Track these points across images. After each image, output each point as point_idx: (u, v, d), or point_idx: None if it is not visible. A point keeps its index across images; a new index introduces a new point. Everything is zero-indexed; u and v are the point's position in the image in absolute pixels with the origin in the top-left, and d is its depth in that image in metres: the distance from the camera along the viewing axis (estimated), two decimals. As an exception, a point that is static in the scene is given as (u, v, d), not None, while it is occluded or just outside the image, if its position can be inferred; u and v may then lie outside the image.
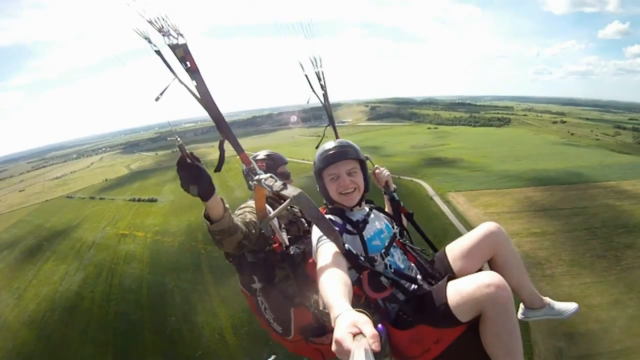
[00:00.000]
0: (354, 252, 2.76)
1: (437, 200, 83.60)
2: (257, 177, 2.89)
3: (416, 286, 3.03)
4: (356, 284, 2.70)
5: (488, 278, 2.43)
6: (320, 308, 3.08)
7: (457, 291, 2.54)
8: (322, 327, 3.37)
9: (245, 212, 3.40)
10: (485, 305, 2.40)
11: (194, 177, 2.46)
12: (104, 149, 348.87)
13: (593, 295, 46.29)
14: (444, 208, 78.61)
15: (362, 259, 2.83)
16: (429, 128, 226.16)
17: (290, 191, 2.65)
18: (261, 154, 4.31)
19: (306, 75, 4.19)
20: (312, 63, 4.15)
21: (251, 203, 3.57)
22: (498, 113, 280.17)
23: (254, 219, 3.28)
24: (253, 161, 3.01)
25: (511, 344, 2.47)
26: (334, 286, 2.16)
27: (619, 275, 49.65)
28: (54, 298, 63.12)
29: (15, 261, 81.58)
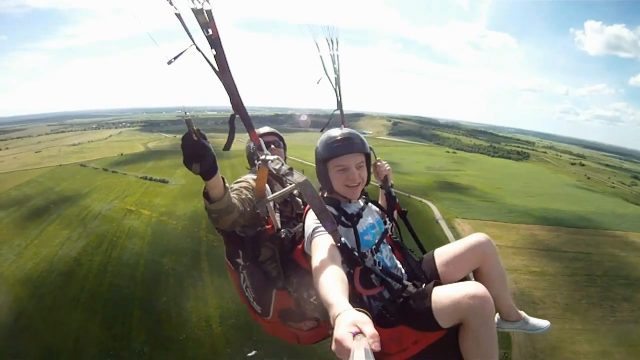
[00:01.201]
0: (350, 246, 2.79)
1: (443, 224, 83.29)
2: (263, 157, 2.91)
3: (401, 286, 3.00)
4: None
5: (474, 289, 2.49)
6: (305, 296, 3.31)
7: (442, 297, 2.58)
8: (302, 312, 3.42)
9: (241, 189, 3.43)
10: (468, 314, 2.46)
11: (198, 154, 2.44)
12: (124, 123, 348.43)
13: (581, 342, 46.04)
14: (448, 233, 78.06)
15: (356, 254, 2.84)
16: (448, 152, 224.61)
17: (296, 177, 2.71)
18: (266, 128, 4.38)
19: (321, 56, 4.22)
20: (329, 45, 4.19)
21: (248, 178, 3.66)
22: (518, 146, 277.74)
23: (249, 196, 3.33)
24: (262, 141, 3.01)
25: (489, 354, 2.56)
26: (332, 283, 2.19)
27: (612, 326, 49.20)
28: (53, 260, 63.94)
29: (20, 219, 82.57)
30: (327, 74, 4.29)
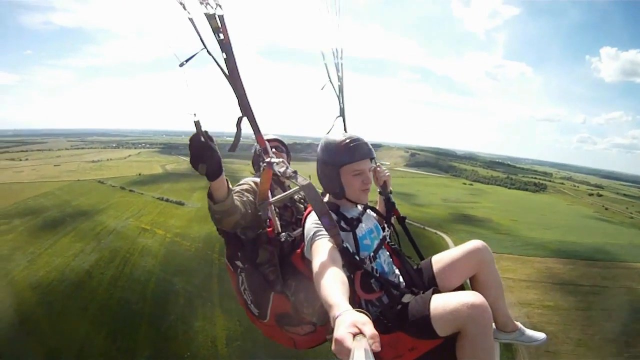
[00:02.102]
0: (351, 250, 2.86)
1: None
2: (268, 159, 2.98)
3: (399, 292, 3.01)
4: None
5: (473, 298, 2.47)
6: (302, 301, 3.30)
7: (440, 306, 2.57)
8: (299, 317, 3.41)
9: (243, 191, 3.44)
10: (466, 324, 2.45)
11: (205, 156, 2.52)
12: (143, 144, 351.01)
13: (594, 380, 45.31)
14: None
15: (357, 258, 2.89)
16: (464, 183, 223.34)
17: (300, 180, 2.77)
18: (271, 135, 4.37)
19: (325, 64, 4.19)
20: (333, 53, 4.17)
21: (249, 181, 3.67)
22: (535, 178, 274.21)
23: (251, 199, 3.35)
24: (267, 144, 3.09)
25: None
26: (333, 285, 2.19)
27: (626, 363, 48.36)
28: (65, 270, 64.58)
29: (35, 228, 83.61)
30: (331, 81, 4.29)
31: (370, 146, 3.25)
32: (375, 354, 1.42)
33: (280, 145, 4.38)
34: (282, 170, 2.88)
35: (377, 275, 3.01)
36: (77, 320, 51.82)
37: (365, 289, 2.86)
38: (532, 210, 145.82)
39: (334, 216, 3.05)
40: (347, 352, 1.47)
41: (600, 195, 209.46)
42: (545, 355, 49.26)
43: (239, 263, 3.56)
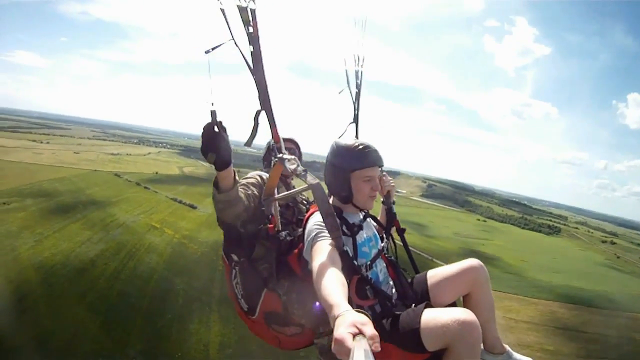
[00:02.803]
0: (351, 254, 2.88)
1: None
2: (280, 155, 3.00)
3: (391, 303, 3.03)
4: None
5: (464, 315, 2.47)
6: (293, 302, 3.26)
7: (431, 320, 2.57)
8: (288, 317, 3.38)
9: (248, 184, 3.50)
10: (455, 340, 2.44)
11: (216, 145, 2.57)
12: (164, 144, 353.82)
13: None
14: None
15: (355, 263, 2.91)
16: (478, 219, 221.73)
17: (310, 179, 2.77)
18: (286, 135, 4.26)
19: (346, 70, 4.20)
20: (355, 61, 4.20)
21: (256, 174, 3.75)
22: (550, 220, 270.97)
23: (256, 192, 3.43)
24: (282, 140, 3.11)
25: None
26: (333, 286, 2.19)
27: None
28: (69, 255, 65.27)
29: (46, 210, 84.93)
30: (349, 87, 4.28)
31: (380, 154, 3.28)
32: (380, 350, 1.45)
33: (294, 147, 4.40)
34: (293, 167, 2.89)
35: (372, 283, 3.03)
36: (75, 305, 52.23)
37: (360, 295, 2.88)
38: (543, 252, 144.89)
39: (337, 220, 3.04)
40: (347, 352, 1.46)
41: (614, 243, 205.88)
42: (538, 401, 48.61)
43: (234, 256, 3.59)
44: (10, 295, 51.73)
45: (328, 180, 3.28)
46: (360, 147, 3.17)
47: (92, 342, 46.85)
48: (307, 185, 2.79)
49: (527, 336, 63.77)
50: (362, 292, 2.91)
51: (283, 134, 3.74)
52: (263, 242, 3.37)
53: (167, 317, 53.27)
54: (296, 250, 3.21)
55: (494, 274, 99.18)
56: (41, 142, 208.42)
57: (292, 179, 4.26)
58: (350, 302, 2.52)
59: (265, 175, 3.73)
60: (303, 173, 2.82)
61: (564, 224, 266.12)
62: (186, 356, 47.29)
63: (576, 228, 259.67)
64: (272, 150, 3.20)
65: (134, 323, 50.90)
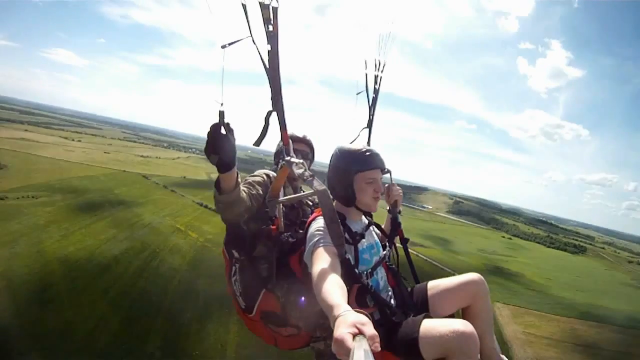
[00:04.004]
0: (352, 262, 2.88)
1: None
2: (288, 158, 2.96)
3: (390, 311, 3.01)
4: None
5: (462, 327, 2.49)
6: (292, 304, 3.30)
7: (430, 330, 2.59)
8: (286, 318, 3.39)
9: (254, 183, 3.47)
10: (453, 351, 2.46)
11: (220, 147, 2.52)
12: (194, 149, 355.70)
13: None
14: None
15: (357, 271, 2.89)
16: (504, 237, 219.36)
17: (317, 185, 2.73)
18: (300, 134, 4.29)
19: (366, 74, 4.25)
20: (376, 65, 4.23)
21: (262, 173, 3.74)
22: (577, 239, 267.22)
23: (260, 192, 3.40)
24: (291, 143, 3.08)
25: None
26: (333, 288, 2.19)
27: None
28: (94, 251, 66.82)
29: (75, 206, 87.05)
30: (367, 91, 4.27)
31: (382, 158, 3.33)
32: (380, 350, 1.47)
33: (306, 150, 4.31)
34: (300, 171, 2.83)
35: (373, 291, 3.00)
36: (97, 300, 53.62)
37: (360, 303, 2.86)
38: (567, 270, 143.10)
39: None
40: (347, 352, 1.48)
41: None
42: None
43: (235, 253, 3.58)
44: (34, 286, 53.49)
45: (331, 184, 3.27)
46: (364, 150, 3.24)
47: (113, 336, 48.06)
48: (313, 191, 2.77)
49: (546, 351, 63.10)
50: (362, 300, 2.89)
51: (298, 131, 4.19)
52: (265, 241, 3.41)
53: (186, 317, 54.13)
54: (298, 253, 3.22)
55: (517, 290, 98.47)
56: (73, 140, 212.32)
57: (299, 181, 4.14)
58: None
59: (272, 174, 3.74)
60: (310, 178, 2.78)
61: (591, 244, 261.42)
62: (204, 355, 48.11)
63: (603, 248, 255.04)
64: (281, 151, 3.24)
65: (155, 320, 51.99)
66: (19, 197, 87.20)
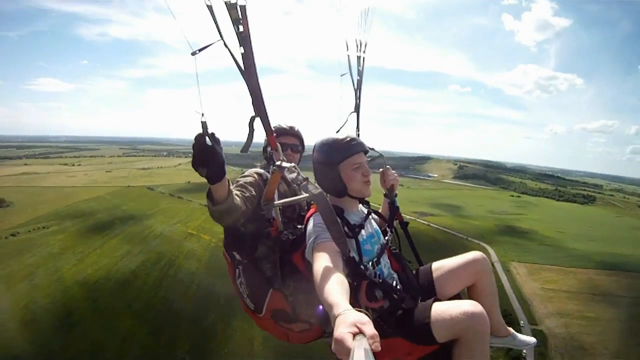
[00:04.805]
0: (357, 259, 2.84)
1: (498, 267, 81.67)
2: (279, 162, 2.86)
3: (398, 297, 2.96)
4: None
5: (472, 308, 2.55)
6: (301, 301, 3.24)
7: (441, 314, 2.63)
8: (296, 315, 3.33)
9: (246, 184, 3.37)
10: (465, 332, 2.53)
11: (208, 159, 2.43)
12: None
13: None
14: (502, 276, 77.14)
15: (363, 267, 2.86)
16: (512, 195, 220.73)
17: (311, 189, 2.68)
18: (287, 124, 4.13)
19: (348, 55, 4.12)
20: (357, 46, 4.14)
21: (253, 172, 3.62)
22: (585, 190, 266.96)
23: (254, 193, 3.30)
24: (279, 147, 2.99)
25: None
26: (333, 286, 2.18)
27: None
28: (111, 270, 68.03)
29: (85, 229, 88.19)
30: (351, 74, 4.14)
31: (361, 141, 3.29)
32: (379, 350, 1.52)
33: (295, 142, 4.13)
34: (293, 176, 2.77)
35: (380, 281, 2.96)
36: (121, 316, 54.86)
37: (370, 297, 2.85)
38: (578, 222, 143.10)
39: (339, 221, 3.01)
40: (347, 351, 1.47)
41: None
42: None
43: (236, 255, 3.53)
44: (59, 313, 54.79)
45: (320, 180, 3.24)
46: (341, 139, 3.20)
47: (142, 348, 49.36)
48: (309, 195, 2.72)
49: (566, 305, 63.46)
50: (371, 294, 2.85)
51: (286, 122, 4.05)
52: (265, 241, 3.38)
53: (210, 318, 55.29)
54: (300, 250, 3.12)
55: (530, 247, 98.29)
56: (73, 165, 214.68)
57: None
58: (358, 304, 2.73)
59: (263, 172, 3.64)
60: (304, 183, 2.72)
61: (599, 193, 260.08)
62: (233, 352, 49.29)
63: (612, 195, 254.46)
64: (271, 158, 3.16)
65: (180, 326, 53.17)
66: (30, 230, 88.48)
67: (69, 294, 59.94)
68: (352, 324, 1.59)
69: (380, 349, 1.49)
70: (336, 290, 2.10)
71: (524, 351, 46.62)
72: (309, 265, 2.71)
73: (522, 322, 60.94)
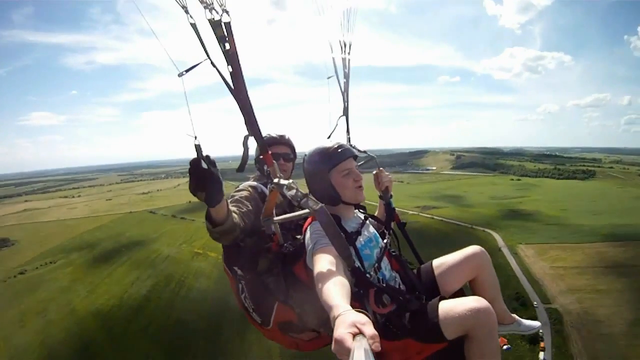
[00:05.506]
0: (362, 269, 2.84)
1: (506, 251, 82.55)
2: (277, 180, 2.78)
3: (404, 299, 2.97)
4: (356, 298, 2.63)
5: (478, 304, 2.58)
6: (308, 312, 3.16)
7: (448, 312, 2.66)
8: (304, 325, 3.32)
9: (242, 199, 3.37)
10: (474, 328, 2.57)
11: (205, 183, 2.36)
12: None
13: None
14: (511, 260, 77.68)
15: (369, 275, 2.86)
16: (512, 179, 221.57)
17: (312, 204, 2.59)
18: (277, 133, 4.10)
19: (333, 58, 4.08)
20: (341, 48, 4.07)
21: (248, 186, 3.63)
22: (584, 165, 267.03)
23: (250, 207, 3.28)
24: (276, 164, 2.87)
25: None
26: (333, 287, 2.18)
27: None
28: (123, 297, 68.35)
29: (92, 260, 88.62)
30: (337, 76, 4.09)
31: (349, 146, 3.29)
32: (383, 357, 1.54)
33: (287, 150, 4.11)
34: (292, 193, 2.68)
35: (385, 286, 3.01)
36: (138, 341, 55.25)
37: (379, 303, 2.87)
38: (581, 197, 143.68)
39: None
40: (347, 352, 1.46)
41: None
42: (600, 338, 48.65)
43: (238, 270, 3.51)
44: (75, 346, 55.13)
45: (312, 190, 3.19)
46: (328, 147, 3.21)
47: (161, 372, 49.22)
48: (309, 211, 2.63)
49: (577, 281, 63.71)
50: (379, 300, 2.87)
51: (276, 130, 4.06)
52: (266, 255, 3.32)
53: (226, 334, 55.69)
54: (301, 260, 3.10)
55: (536, 228, 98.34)
56: (73, 197, 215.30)
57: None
58: (366, 309, 2.70)
59: (257, 185, 3.68)
60: (304, 199, 2.63)
61: (599, 166, 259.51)
62: (252, 365, 48.77)
63: (611, 167, 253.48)
64: (268, 175, 3.08)
65: (197, 345, 53.67)
66: (37, 266, 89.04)
67: (84, 325, 60.30)
68: (351, 325, 1.59)
69: (380, 349, 1.48)
70: (336, 291, 2.12)
71: (541, 330, 46.99)
72: (311, 274, 2.64)
73: (535, 302, 61.12)
